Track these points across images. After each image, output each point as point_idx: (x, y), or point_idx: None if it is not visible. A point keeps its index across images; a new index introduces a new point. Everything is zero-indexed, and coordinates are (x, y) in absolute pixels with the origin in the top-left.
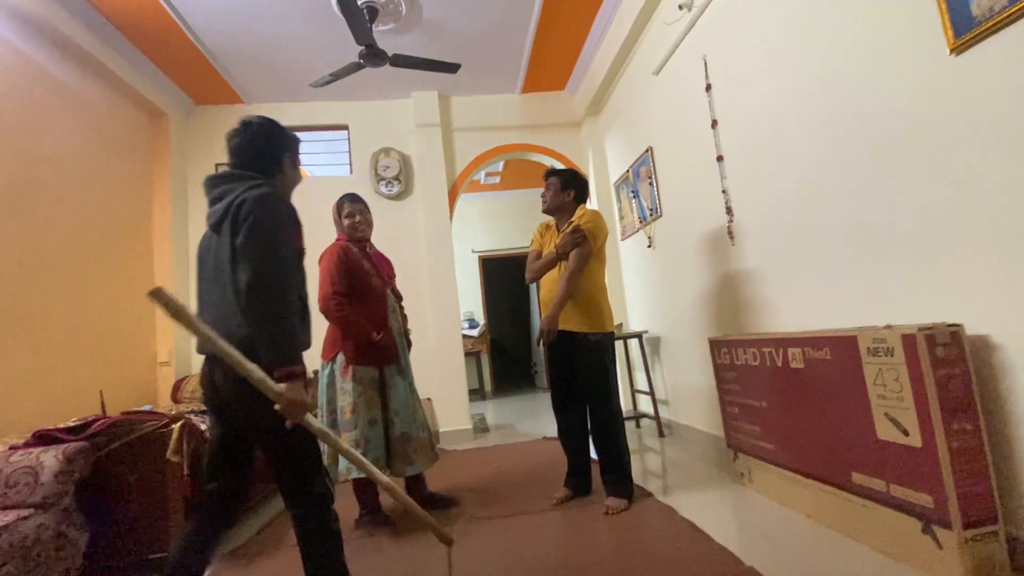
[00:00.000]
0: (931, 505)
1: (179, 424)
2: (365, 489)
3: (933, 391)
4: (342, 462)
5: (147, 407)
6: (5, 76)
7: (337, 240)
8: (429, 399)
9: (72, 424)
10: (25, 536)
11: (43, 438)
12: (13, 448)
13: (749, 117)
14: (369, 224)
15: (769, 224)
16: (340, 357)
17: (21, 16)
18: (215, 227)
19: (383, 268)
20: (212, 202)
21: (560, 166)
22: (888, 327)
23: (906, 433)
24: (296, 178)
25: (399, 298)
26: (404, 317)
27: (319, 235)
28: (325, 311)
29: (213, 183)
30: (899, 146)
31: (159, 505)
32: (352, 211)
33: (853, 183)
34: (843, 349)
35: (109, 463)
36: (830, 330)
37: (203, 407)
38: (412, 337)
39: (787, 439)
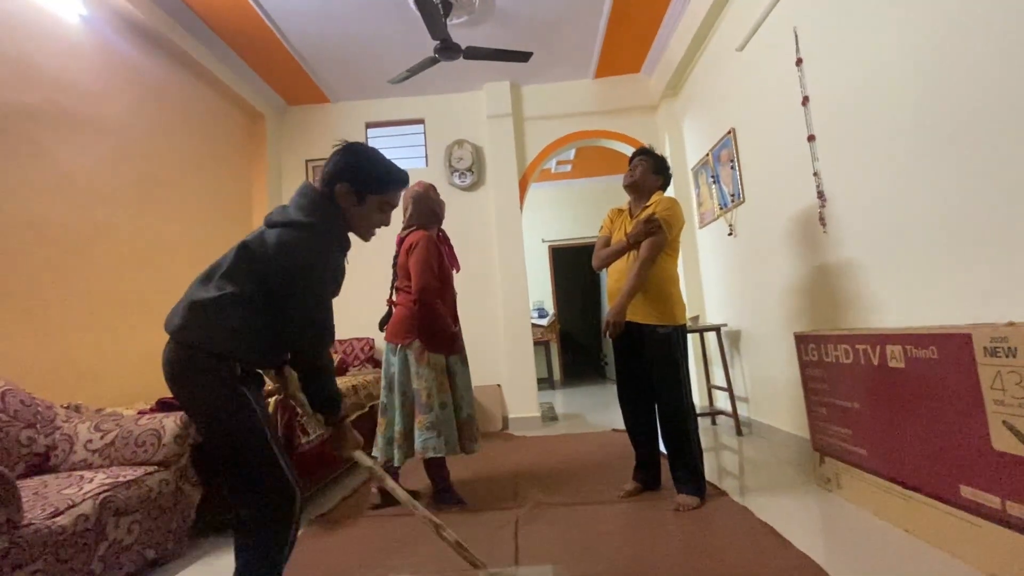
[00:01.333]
0: None
1: (274, 399)
2: (440, 467)
3: None
4: (417, 439)
5: None
6: (132, 89)
7: (421, 230)
8: (499, 385)
9: None
10: (151, 489)
11: (165, 405)
12: (141, 412)
13: (846, 92)
14: (442, 206)
15: (868, 209)
16: (416, 344)
17: (144, 32)
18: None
19: (453, 256)
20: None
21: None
22: (1011, 324)
23: None
24: (350, 207)
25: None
26: None
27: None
28: (424, 302)
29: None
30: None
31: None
32: (438, 197)
33: (968, 163)
34: (954, 348)
35: None
36: (938, 326)
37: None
38: (482, 323)
39: (882, 444)
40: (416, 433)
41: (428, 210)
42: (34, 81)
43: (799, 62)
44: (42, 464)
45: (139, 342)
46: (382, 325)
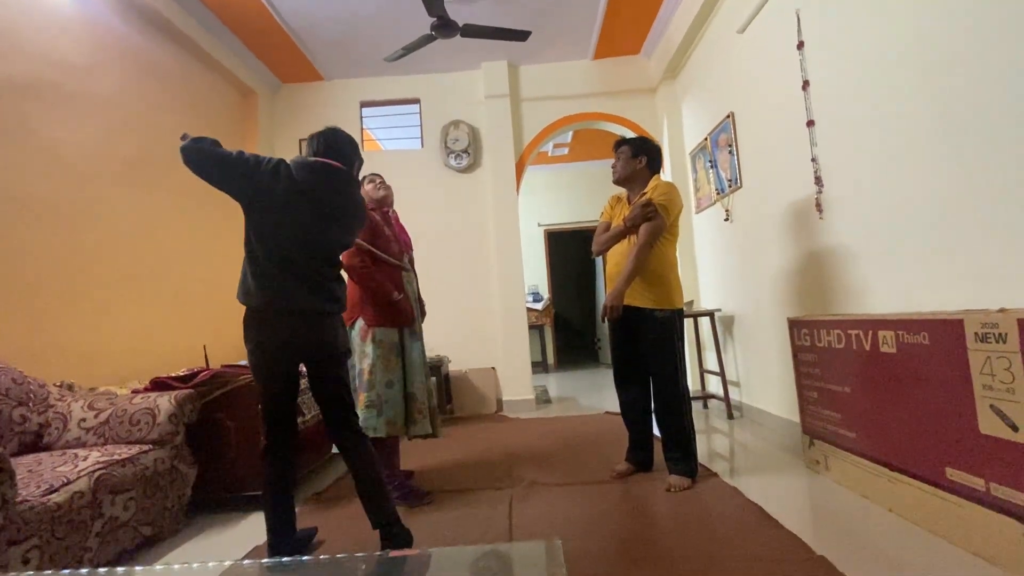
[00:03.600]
0: None
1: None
2: (390, 454)
3: None
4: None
5: (243, 362)
6: (122, 64)
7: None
8: (493, 368)
9: (182, 373)
10: (146, 467)
11: (159, 384)
12: (135, 392)
13: (846, 77)
14: (390, 191)
15: (864, 196)
16: (360, 322)
17: (136, 7)
18: (326, 203)
19: (402, 235)
20: (329, 184)
21: (631, 135)
22: (1002, 310)
23: (1015, 428)
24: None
25: (413, 264)
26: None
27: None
28: (349, 266)
29: (338, 176)
30: (1020, 109)
31: (253, 449)
32: (373, 178)
33: (966, 151)
34: (945, 333)
35: (212, 409)
36: (930, 313)
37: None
38: (477, 306)
39: (871, 428)
40: (361, 413)
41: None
42: (21, 54)
43: (800, 45)
44: (35, 442)
45: (131, 321)
46: None
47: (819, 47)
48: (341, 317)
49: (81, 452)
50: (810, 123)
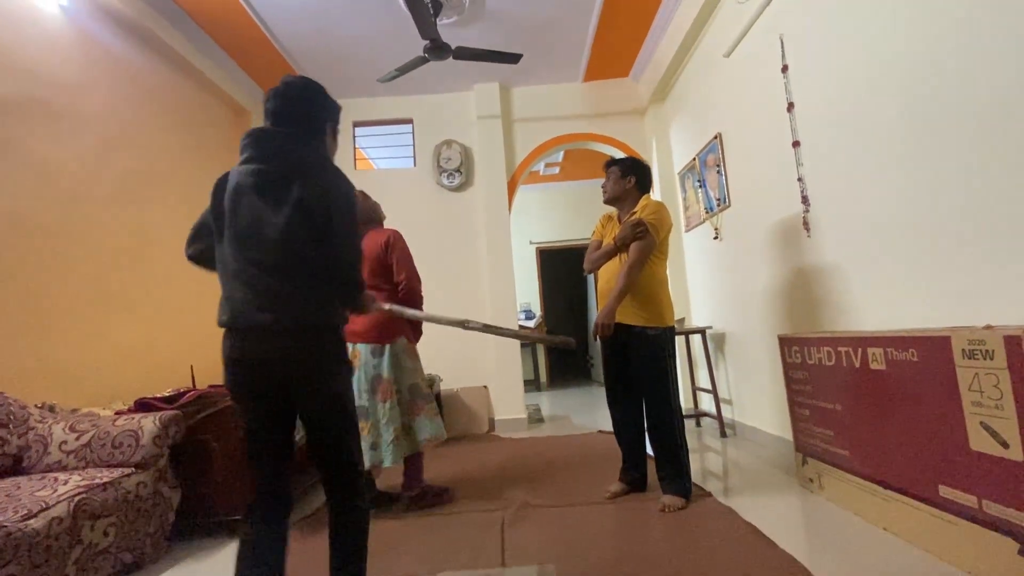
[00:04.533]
0: None
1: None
2: (420, 461)
3: None
4: (425, 429)
5: None
6: (114, 82)
7: (389, 228)
8: (485, 387)
9: (167, 394)
10: (128, 491)
11: (143, 405)
12: (119, 413)
13: (830, 99)
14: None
15: (850, 215)
16: (403, 340)
17: (127, 25)
18: (268, 190)
19: None
20: (262, 158)
21: (621, 155)
22: (988, 327)
23: (1005, 445)
24: (335, 149)
25: None
26: None
27: (387, 222)
28: (417, 291)
29: (267, 137)
30: (1003, 130)
31: (239, 472)
32: (371, 201)
33: (947, 170)
34: (933, 350)
35: (197, 431)
36: (918, 329)
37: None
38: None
39: (864, 446)
40: (423, 423)
41: (369, 213)
42: (9, 72)
43: (784, 69)
44: (15, 466)
45: (117, 340)
46: None
47: (803, 70)
48: (321, 333)
49: (61, 476)
50: (796, 144)
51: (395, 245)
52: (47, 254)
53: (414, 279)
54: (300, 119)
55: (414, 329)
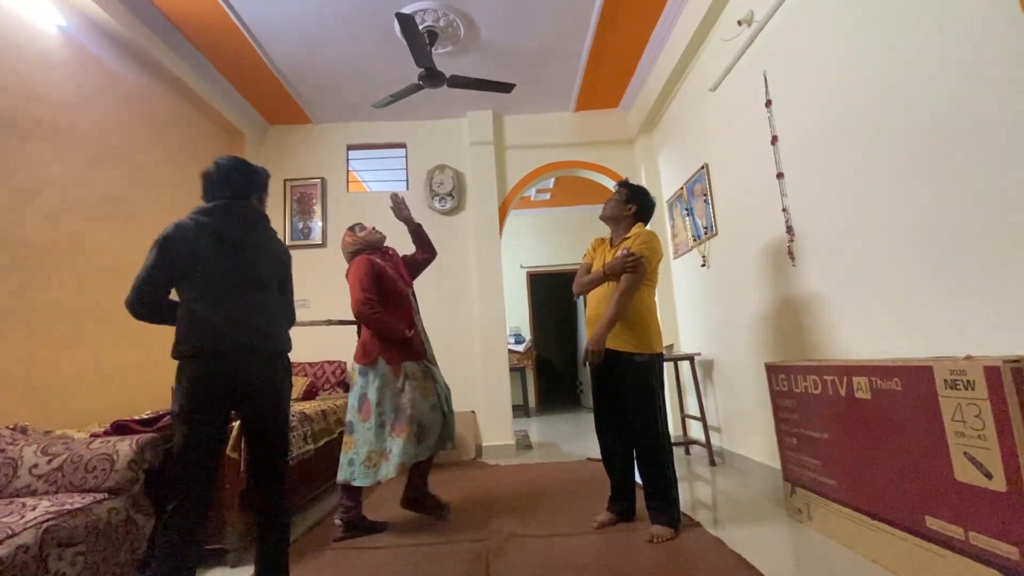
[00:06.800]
0: (1017, 557)
1: (237, 423)
2: (425, 472)
3: (1021, 430)
4: (402, 451)
5: None
6: (108, 101)
7: (363, 255)
8: (473, 412)
9: (145, 416)
10: (99, 518)
11: (120, 428)
12: (94, 435)
13: (812, 133)
14: (371, 234)
15: (834, 244)
16: (382, 362)
17: (124, 46)
18: (250, 246)
19: (402, 272)
20: (248, 226)
21: (613, 183)
22: (968, 357)
23: (989, 476)
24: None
25: (415, 298)
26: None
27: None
28: (359, 314)
29: (252, 214)
30: (979, 163)
31: (217, 498)
32: (351, 227)
33: (927, 201)
34: (916, 380)
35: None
36: (901, 359)
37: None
38: (458, 348)
39: (851, 475)
40: (400, 444)
41: (358, 248)
42: (3, 88)
43: (768, 103)
44: None
45: (96, 361)
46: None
47: (785, 105)
48: (280, 358)
49: (29, 501)
50: (780, 175)
51: (351, 272)
52: (27, 270)
53: (358, 304)
54: (238, 190)
55: (402, 350)
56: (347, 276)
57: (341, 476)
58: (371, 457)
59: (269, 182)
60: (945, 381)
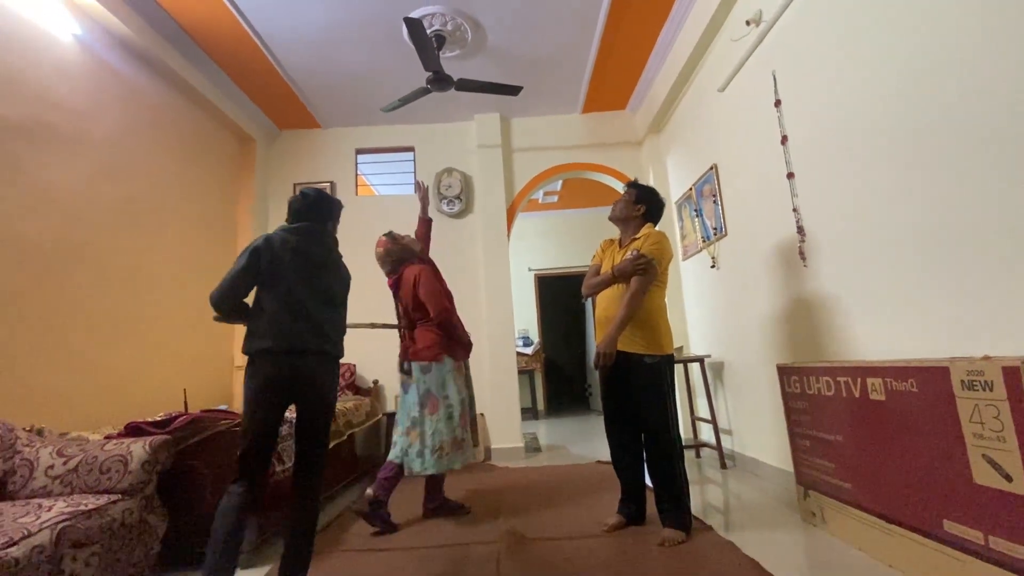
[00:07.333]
0: None
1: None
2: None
3: None
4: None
5: (223, 407)
6: (122, 109)
7: (422, 261)
8: (482, 414)
9: (159, 418)
10: (113, 519)
11: (134, 430)
12: (108, 437)
13: (822, 132)
14: (399, 244)
15: (846, 244)
16: (448, 359)
17: (138, 54)
18: (325, 265)
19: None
20: (326, 249)
21: (621, 185)
22: (986, 358)
23: (1009, 479)
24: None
25: None
26: None
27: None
28: (445, 321)
29: (328, 239)
30: (994, 160)
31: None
32: (402, 241)
33: (940, 199)
34: (932, 381)
35: (187, 456)
36: (917, 360)
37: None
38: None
39: (866, 478)
40: (468, 435)
41: (400, 254)
42: (20, 96)
43: (777, 103)
44: None
45: (111, 364)
46: (401, 365)
47: (795, 104)
48: (337, 364)
49: (45, 502)
50: (790, 175)
51: (420, 281)
52: (41, 275)
53: (442, 311)
54: (318, 217)
55: (464, 348)
56: (412, 283)
57: (416, 469)
58: (443, 446)
59: (342, 212)
60: (962, 382)
